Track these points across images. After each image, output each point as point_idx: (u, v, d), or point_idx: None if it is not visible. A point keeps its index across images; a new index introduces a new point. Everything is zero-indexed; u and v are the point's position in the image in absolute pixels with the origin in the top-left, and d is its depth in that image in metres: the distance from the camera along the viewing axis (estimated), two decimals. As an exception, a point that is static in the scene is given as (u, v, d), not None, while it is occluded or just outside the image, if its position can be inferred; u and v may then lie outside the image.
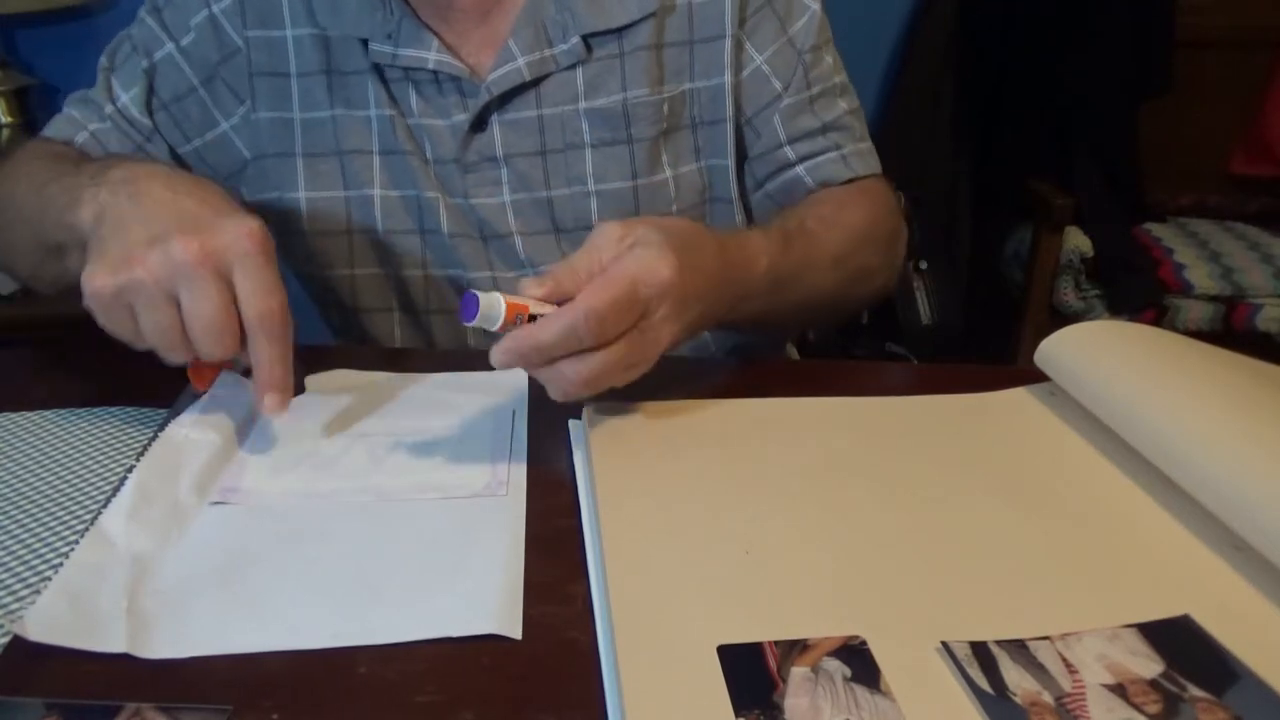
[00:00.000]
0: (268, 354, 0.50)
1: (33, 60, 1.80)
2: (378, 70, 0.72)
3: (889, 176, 0.81)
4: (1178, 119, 1.90)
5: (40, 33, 1.79)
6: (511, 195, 0.74)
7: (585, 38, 0.70)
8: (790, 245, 0.65)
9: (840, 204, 0.75)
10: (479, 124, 0.72)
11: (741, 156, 0.78)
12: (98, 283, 0.50)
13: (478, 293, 0.48)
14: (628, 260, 0.51)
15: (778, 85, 0.75)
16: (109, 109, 0.75)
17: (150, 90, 0.75)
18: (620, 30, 0.71)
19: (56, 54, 1.81)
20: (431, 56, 0.70)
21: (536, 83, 0.71)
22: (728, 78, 0.74)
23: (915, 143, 1.87)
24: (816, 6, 0.77)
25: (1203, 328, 1.69)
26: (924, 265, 1.85)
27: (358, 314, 0.80)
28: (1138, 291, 1.70)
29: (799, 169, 0.78)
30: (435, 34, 0.70)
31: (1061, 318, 1.72)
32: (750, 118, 0.76)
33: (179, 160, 0.77)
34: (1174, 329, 0.60)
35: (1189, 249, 1.76)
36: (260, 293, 0.50)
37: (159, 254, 0.49)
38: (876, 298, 0.79)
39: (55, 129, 0.76)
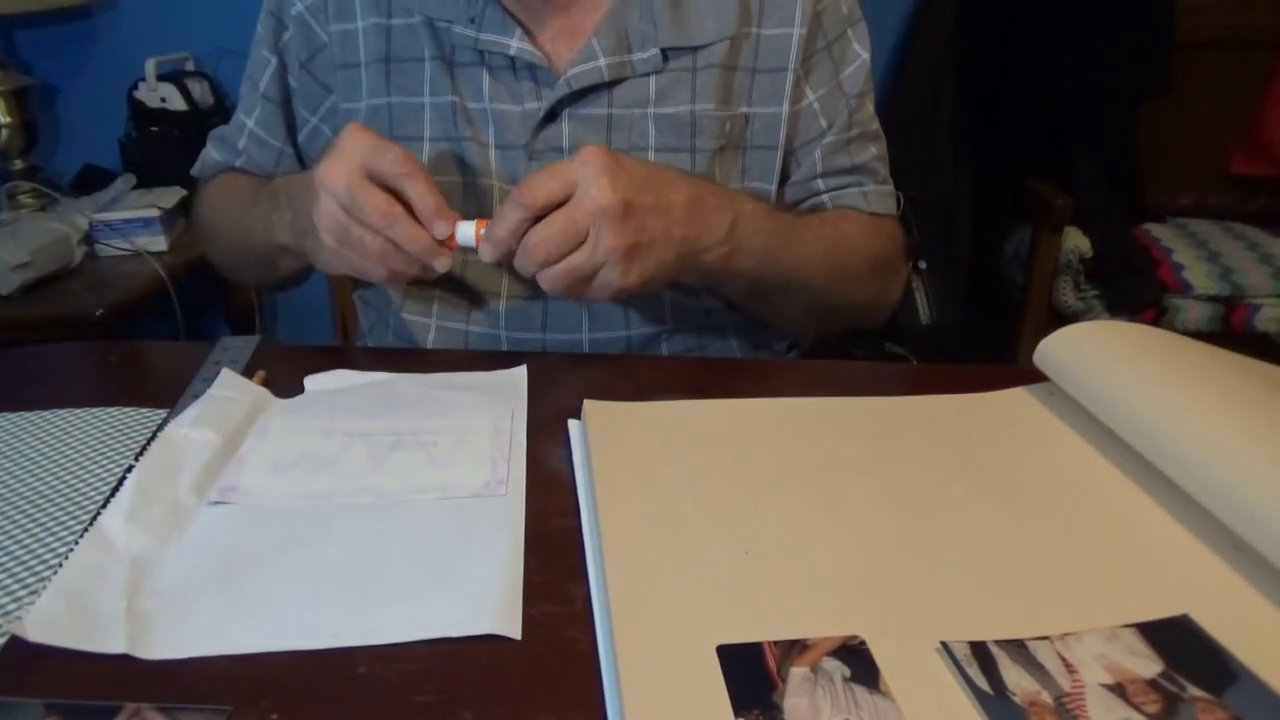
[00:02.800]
0: (412, 192, 0.61)
1: (33, 60, 1.81)
2: (442, 56, 0.74)
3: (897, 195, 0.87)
4: (1178, 119, 1.90)
5: (40, 33, 1.79)
6: None
7: (664, 50, 0.73)
8: (777, 214, 0.72)
9: (846, 218, 0.80)
10: (550, 115, 0.74)
11: (782, 182, 0.82)
12: (325, 255, 0.64)
13: (458, 223, 0.62)
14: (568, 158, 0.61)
15: (824, 123, 0.80)
16: (240, 143, 0.84)
17: (271, 110, 0.82)
18: (696, 49, 0.73)
19: (56, 54, 1.81)
20: (514, 44, 0.72)
21: (612, 84, 0.73)
22: (785, 108, 0.77)
23: (915, 143, 1.87)
24: (866, 56, 0.81)
25: (1202, 328, 1.69)
26: (924, 265, 1.85)
27: (397, 301, 0.81)
28: (1137, 291, 1.70)
29: (824, 198, 0.83)
30: (518, 23, 0.72)
31: (1061, 318, 1.72)
32: (795, 149, 0.80)
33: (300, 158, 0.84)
34: (1173, 329, 0.60)
35: (1188, 249, 1.76)
36: (382, 159, 0.61)
37: (322, 206, 0.62)
38: (866, 314, 0.84)
39: (212, 165, 0.87)
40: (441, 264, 0.62)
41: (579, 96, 0.73)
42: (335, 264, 0.64)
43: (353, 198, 0.60)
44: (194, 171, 0.89)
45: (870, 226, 0.82)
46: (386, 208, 0.60)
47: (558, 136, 0.74)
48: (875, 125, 0.84)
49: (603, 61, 0.72)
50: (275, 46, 0.80)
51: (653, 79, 0.74)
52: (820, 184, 0.82)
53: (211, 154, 0.87)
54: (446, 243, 0.62)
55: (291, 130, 0.83)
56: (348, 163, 0.60)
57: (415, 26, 0.74)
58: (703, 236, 0.65)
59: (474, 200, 0.76)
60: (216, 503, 0.50)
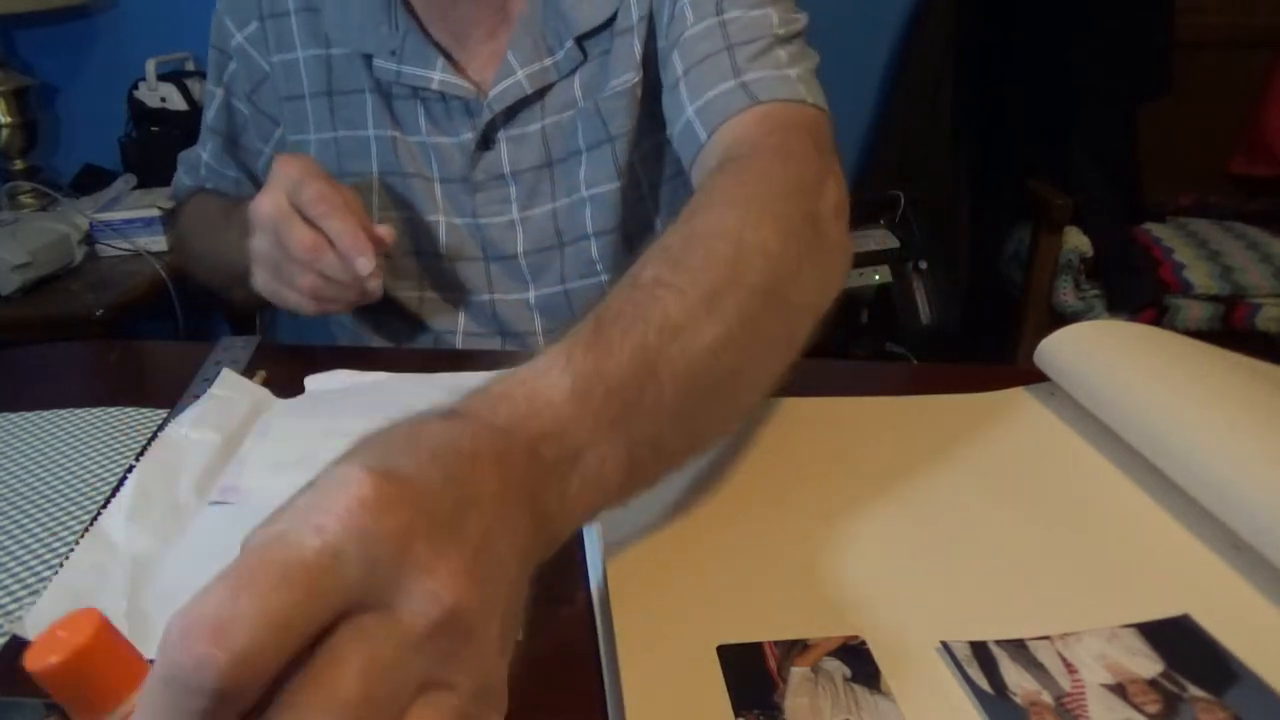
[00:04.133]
0: (330, 231, 0.58)
1: (33, 60, 1.80)
2: (380, 89, 0.71)
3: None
4: (1178, 119, 1.90)
5: (40, 33, 1.79)
6: (520, 212, 0.73)
7: (579, 40, 0.68)
8: (602, 342, 0.37)
9: (706, 203, 0.49)
10: (485, 142, 0.71)
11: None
12: (263, 288, 0.63)
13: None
14: (264, 529, 0.27)
15: (690, 16, 0.63)
16: (202, 171, 0.83)
17: (221, 143, 0.81)
18: (609, 24, 0.68)
19: (56, 54, 1.81)
20: (436, 76, 0.69)
21: (541, 95, 0.70)
22: (673, 33, 0.65)
23: (915, 143, 1.87)
24: None
25: (1202, 327, 1.69)
26: (924, 265, 1.85)
27: (360, 330, 0.81)
28: (1137, 291, 1.70)
29: (689, 111, 0.62)
30: (442, 52, 0.69)
31: (1061, 318, 1.72)
32: (663, 63, 0.65)
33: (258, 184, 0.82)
34: (1173, 329, 0.60)
35: (1188, 249, 1.76)
36: (302, 195, 0.58)
37: (254, 240, 0.61)
38: (821, 310, 0.51)
39: (182, 190, 0.86)
40: (375, 288, 0.60)
41: (511, 116, 0.70)
42: (273, 298, 0.63)
43: (279, 231, 0.59)
44: (169, 196, 0.89)
45: (756, 153, 0.55)
46: (311, 241, 0.58)
47: (497, 163, 0.71)
48: (787, 30, 0.63)
49: (521, 74, 0.68)
50: (220, 79, 0.78)
51: (577, 76, 0.69)
52: (683, 89, 0.62)
53: (181, 179, 0.86)
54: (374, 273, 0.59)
55: (244, 160, 0.82)
56: (274, 196, 0.59)
57: (353, 57, 0.71)
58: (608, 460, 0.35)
59: (424, 236, 0.74)
60: (217, 503, 0.50)
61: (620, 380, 0.36)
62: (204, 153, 0.82)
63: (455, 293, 0.76)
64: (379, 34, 0.69)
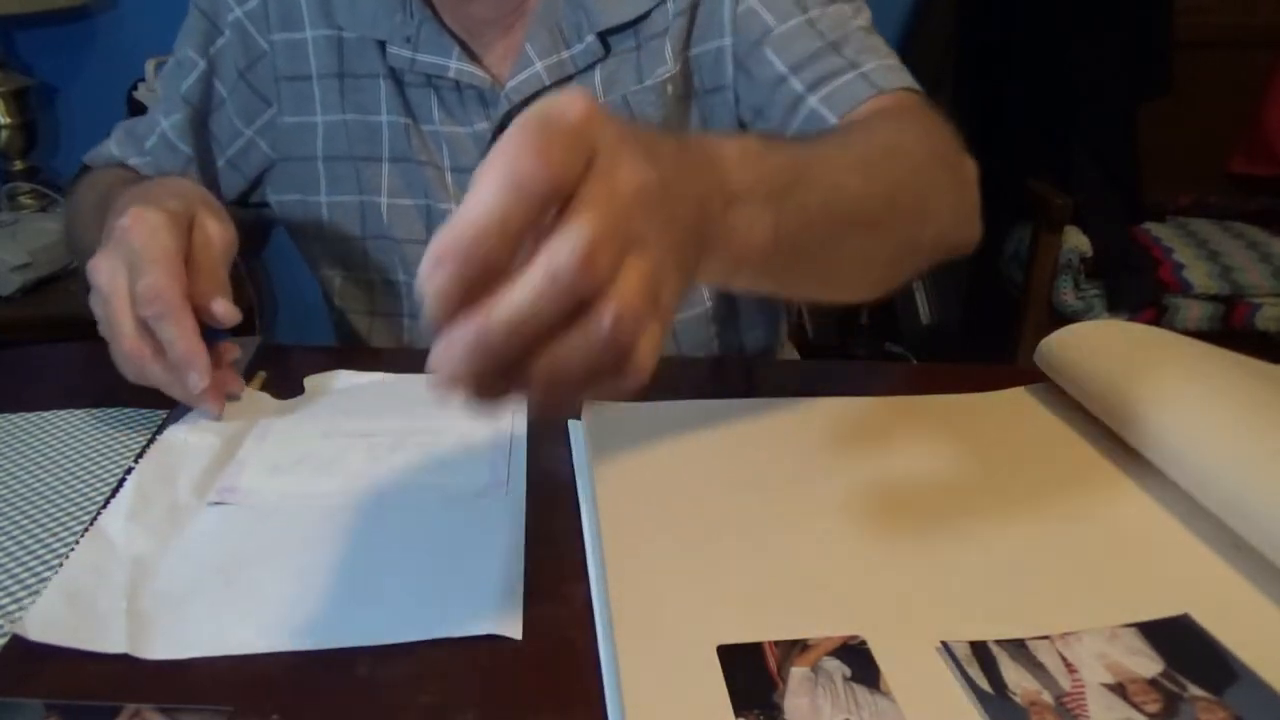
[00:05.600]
0: (162, 336, 0.52)
1: (32, 60, 1.80)
2: (394, 75, 0.70)
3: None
4: (1178, 119, 1.90)
5: (40, 33, 1.79)
6: None
7: (602, 35, 0.68)
8: (771, 140, 0.47)
9: (867, 125, 0.60)
10: (501, 132, 0.71)
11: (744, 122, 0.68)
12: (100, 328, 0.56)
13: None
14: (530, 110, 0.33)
15: (769, 18, 0.65)
16: (149, 143, 0.76)
17: (189, 115, 0.75)
18: (636, 23, 0.68)
19: (56, 54, 1.81)
20: (452, 64, 0.68)
21: (558, 87, 0.69)
22: (727, 40, 0.67)
23: (915, 143, 1.87)
24: None
25: (1202, 327, 1.69)
26: (923, 265, 1.85)
27: (373, 317, 0.80)
28: (1137, 291, 1.70)
29: (811, 100, 0.63)
30: (458, 41, 0.68)
31: (1061, 318, 1.72)
32: (743, 61, 0.66)
33: (213, 179, 0.77)
34: (1173, 328, 0.60)
35: (1188, 248, 1.76)
36: (138, 283, 0.51)
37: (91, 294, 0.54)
38: (953, 233, 0.61)
39: (102, 157, 0.79)
40: (215, 410, 0.55)
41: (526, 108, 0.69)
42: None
43: (105, 315, 0.53)
44: (86, 158, 0.81)
45: (900, 113, 0.62)
46: (134, 347, 0.52)
47: None
48: (859, 23, 0.66)
49: (540, 66, 0.67)
50: (205, 50, 0.74)
51: (598, 71, 0.68)
52: (796, 83, 0.64)
53: (110, 146, 0.79)
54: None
55: (204, 141, 0.77)
56: (111, 266, 0.52)
57: (367, 40, 0.70)
58: (726, 216, 0.40)
59: (438, 224, 0.72)
60: (216, 503, 0.50)
61: (777, 169, 0.42)
62: (164, 121, 0.76)
63: None
64: (393, 21, 0.68)
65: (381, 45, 0.69)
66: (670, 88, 0.68)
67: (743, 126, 0.70)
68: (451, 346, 0.29)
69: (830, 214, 0.46)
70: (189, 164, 0.76)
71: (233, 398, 0.58)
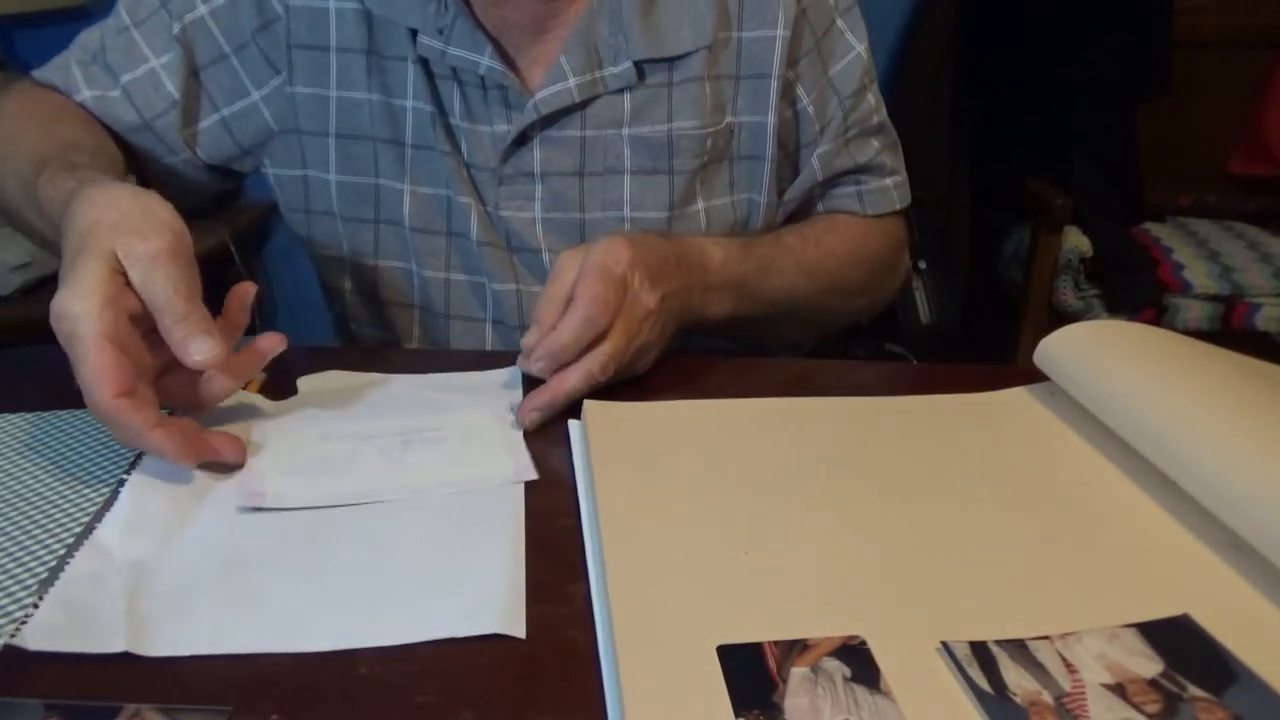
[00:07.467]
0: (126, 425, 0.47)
1: (32, 60, 1.79)
2: (423, 62, 0.70)
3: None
4: (1177, 119, 1.90)
5: (40, 33, 1.79)
6: (543, 213, 0.73)
7: (638, 63, 0.69)
8: (750, 247, 0.71)
9: (833, 229, 0.79)
10: (521, 137, 0.70)
11: (781, 189, 0.79)
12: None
13: None
14: (592, 256, 0.59)
15: (818, 127, 0.77)
16: (126, 78, 0.72)
17: (183, 57, 0.71)
18: (672, 60, 0.70)
19: (56, 54, 1.80)
20: (484, 62, 0.68)
21: (584, 104, 0.70)
22: (771, 118, 0.74)
23: (915, 143, 1.86)
24: (861, 47, 0.76)
25: (1202, 327, 1.69)
26: (923, 265, 1.85)
27: (379, 306, 0.79)
28: (1136, 291, 1.70)
29: (818, 205, 0.82)
30: (490, 39, 0.68)
31: (1061, 318, 1.72)
32: (791, 153, 0.78)
33: (193, 134, 0.74)
34: (1173, 328, 0.60)
35: (1188, 248, 1.76)
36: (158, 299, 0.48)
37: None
38: (863, 314, 0.87)
39: (57, 77, 0.73)
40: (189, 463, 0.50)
41: (550, 119, 0.70)
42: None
43: (74, 359, 0.47)
44: (35, 72, 0.75)
45: (862, 230, 0.80)
46: (114, 403, 0.46)
47: (529, 161, 0.71)
48: (878, 118, 0.80)
49: (572, 82, 0.68)
50: None
51: (627, 96, 0.70)
52: (817, 190, 0.80)
53: (74, 71, 0.73)
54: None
55: (193, 90, 0.72)
56: (91, 309, 0.46)
57: (397, 24, 0.69)
58: (700, 305, 0.67)
59: (457, 216, 0.73)
60: (217, 505, 0.50)
61: (746, 272, 0.70)
62: (155, 59, 0.71)
63: (481, 277, 0.75)
64: (426, 10, 0.68)
65: (412, 32, 0.69)
66: (710, 141, 0.73)
67: (777, 178, 0.79)
68: (540, 396, 0.57)
69: (775, 304, 0.73)
70: (171, 108, 0.72)
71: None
